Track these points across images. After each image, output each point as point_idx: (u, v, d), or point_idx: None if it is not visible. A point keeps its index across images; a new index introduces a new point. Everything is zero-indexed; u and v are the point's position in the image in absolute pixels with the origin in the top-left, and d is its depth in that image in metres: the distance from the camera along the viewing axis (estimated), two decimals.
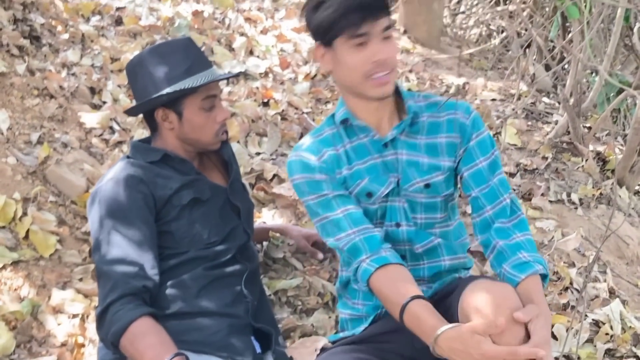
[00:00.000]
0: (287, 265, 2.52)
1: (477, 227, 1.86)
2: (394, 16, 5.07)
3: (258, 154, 3.21)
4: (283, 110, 3.53)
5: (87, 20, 3.94)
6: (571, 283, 2.59)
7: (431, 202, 1.88)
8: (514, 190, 3.12)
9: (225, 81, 3.57)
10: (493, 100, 4.08)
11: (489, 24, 6.43)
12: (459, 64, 4.47)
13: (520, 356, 1.43)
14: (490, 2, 6.14)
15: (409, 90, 2.53)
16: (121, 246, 1.80)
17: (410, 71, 4.38)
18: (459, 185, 1.97)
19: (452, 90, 4.09)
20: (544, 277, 1.71)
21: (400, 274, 1.73)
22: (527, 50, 5.04)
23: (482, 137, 1.86)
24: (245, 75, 3.79)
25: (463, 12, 6.39)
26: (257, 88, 3.68)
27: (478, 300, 1.52)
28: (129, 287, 1.73)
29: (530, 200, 3.12)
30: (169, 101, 1.95)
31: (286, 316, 2.29)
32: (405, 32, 5.04)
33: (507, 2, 5.82)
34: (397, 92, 1.87)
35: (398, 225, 1.88)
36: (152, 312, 1.72)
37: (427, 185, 1.84)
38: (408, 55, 4.73)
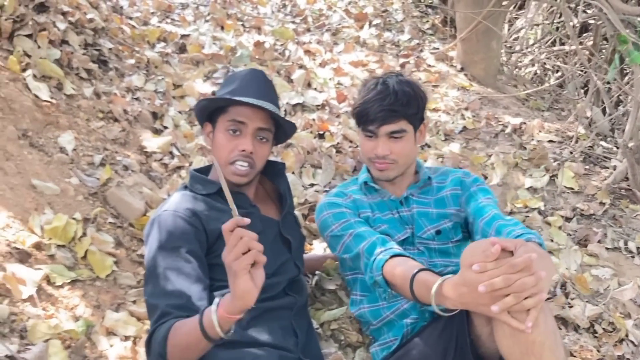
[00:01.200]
0: (334, 298, 2.52)
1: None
2: (452, 53, 5.08)
3: (312, 185, 3.23)
4: (338, 143, 3.56)
5: (153, 46, 4.06)
6: (627, 335, 2.52)
7: (444, 247, 2.16)
8: (570, 235, 3.07)
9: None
10: (550, 141, 4.03)
11: (545, 63, 6.38)
12: (524, 103, 4.43)
13: (518, 265, 1.46)
14: (547, 42, 6.10)
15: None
16: (170, 279, 1.82)
17: (466, 109, 4.36)
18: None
19: (508, 130, 4.06)
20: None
21: (410, 260, 1.88)
22: (584, 91, 4.98)
23: (482, 187, 2.22)
24: (302, 106, 3.84)
25: (519, 51, 6.35)
26: (314, 120, 3.72)
27: (468, 251, 1.58)
28: (174, 318, 1.74)
29: (586, 246, 3.06)
30: (211, 114, 2.04)
31: (333, 351, 2.28)
32: (462, 69, 5.04)
33: (564, 42, 5.78)
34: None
35: None
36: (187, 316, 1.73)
37: (437, 232, 2.16)
38: (464, 92, 4.73)
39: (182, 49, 4.16)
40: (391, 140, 2.12)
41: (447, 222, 2.18)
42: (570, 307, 2.57)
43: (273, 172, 2.24)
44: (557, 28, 5.97)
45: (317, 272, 2.55)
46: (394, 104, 2.09)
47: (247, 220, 1.48)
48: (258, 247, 1.47)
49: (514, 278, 1.45)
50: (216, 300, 1.59)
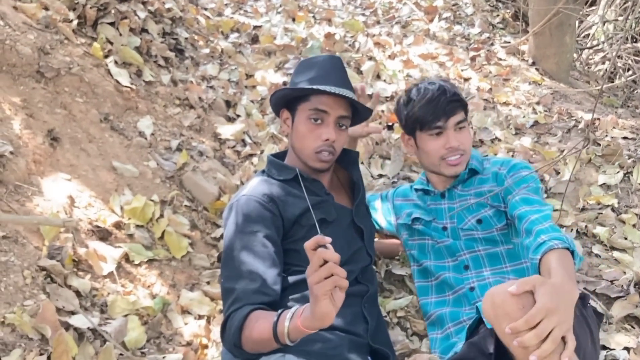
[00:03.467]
0: (403, 287, 2.54)
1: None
2: (523, 47, 5.00)
3: (380, 176, 3.24)
4: None
5: (226, 37, 4.14)
6: None
7: (489, 236, 2.16)
8: None
9: None
10: (624, 138, 3.93)
11: (617, 61, 6.21)
12: (596, 99, 4.34)
13: (517, 328, 1.43)
14: (618, 39, 5.94)
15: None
16: (246, 263, 1.85)
17: (538, 103, 4.29)
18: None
19: (581, 125, 3.98)
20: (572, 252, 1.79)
21: None
22: None
23: (516, 175, 2.15)
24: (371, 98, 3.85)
25: (591, 47, 6.19)
26: (383, 111, 3.73)
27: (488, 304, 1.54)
28: (248, 302, 1.77)
29: None
30: (289, 102, 2.04)
31: (401, 339, 2.29)
32: (533, 63, 4.95)
33: (636, 39, 5.61)
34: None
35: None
36: (262, 307, 1.75)
37: (478, 221, 2.17)
38: (536, 87, 4.65)
39: (254, 40, 4.23)
40: (457, 132, 2.16)
41: (487, 210, 2.17)
42: None
43: (347, 161, 2.25)
44: (631, 25, 5.80)
45: (392, 257, 2.57)
46: (454, 95, 2.16)
47: (328, 239, 1.47)
48: (341, 272, 1.47)
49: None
50: (293, 309, 1.58)
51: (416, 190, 2.36)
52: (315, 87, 1.97)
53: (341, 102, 2.00)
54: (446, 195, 2.27)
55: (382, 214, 2.47)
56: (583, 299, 1.90)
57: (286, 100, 2.08)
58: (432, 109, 2.14)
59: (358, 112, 2.11)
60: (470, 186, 2.24)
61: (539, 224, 1.91)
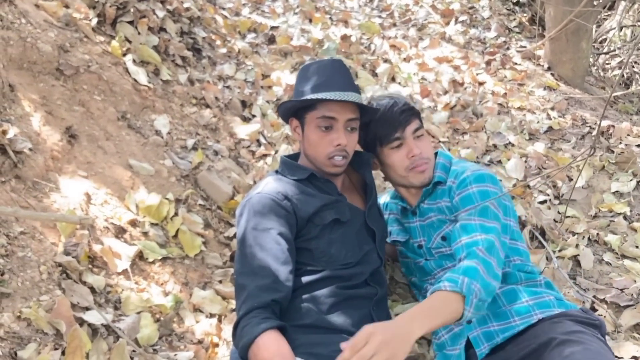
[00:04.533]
0: (410, 291, 2.55)
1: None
2: (539, 52, 4.99)
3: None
4: None
5: (243, 37, 4.17)
6: None
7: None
8: None
9: None
10: (639, 146, 3.92)
11: (633, 66, 6.18)
12: (609, 105, 4.33)
13: None
14: (636, 44, 5.90)
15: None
16: (259, 259, 1.88)
17: (552, 108, 4.29)
18: None
19: (595, 132, 3.97)
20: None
21: None
22: None
23: (462, 195, 2.08)
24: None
25: (607, 53, 6.16)
26: None
27: None
28: (259, 301, 1.80)
29: None
30: (297, 111, 2.06)
31: None
32: (549, 68, 4.94)
33: None
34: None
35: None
36: (277, 325, 1.77)
37: (443, 238, 2.14)
38: (550, 92, 4.64)
39: (271, 40, 4.25)
40: (416, 140, 2.15)
41: (448, 226, 2.13)
42: None
43: (359, 163, 2.26)
44: None
45: (394, 263, 2.58)
46: (404, 105, 2.17)
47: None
48: None
49: None
50: None
51: (395, 202, 2.37)
52: (319, 96, 1.98)
53: (348, 105, 2.03)
54: (417, 213, 2.25)
55: None
56: (599, 327, 1.89)
57: (294, 110, 2.10)
58: (387, 122, 2.14)
59: (367, 111, 2.13)
60: (435, 199, 2.20)
61: (459, 261, 1.90)
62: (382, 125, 2.15)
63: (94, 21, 3.08)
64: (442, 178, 2.17)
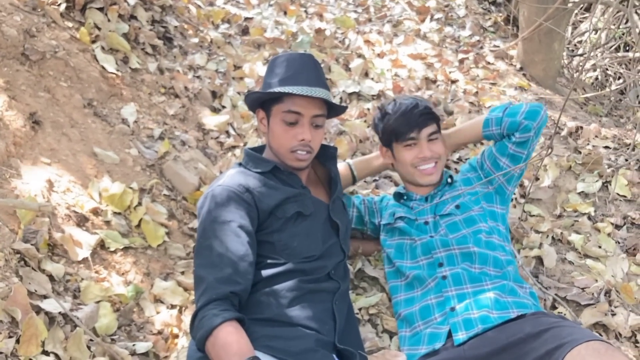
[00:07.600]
0: (374, 285, 2.55)
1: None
2: (512, 52, 5.03)
3: None
4: None
5: (217, 27, 4.13)
6: None
7: (468, 217, 2.31)
8: (618, 243, 3.03)
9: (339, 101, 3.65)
10: (606, 147, 3.97)
11: (607, 69, 6.24)
12: (582, 106, 4.36)
13: None
14: (610, 47, 5.97)
15: None
16: (219, 251, 1.87)
17: None
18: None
19: (563, 133, 4.01)
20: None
21: None
22: None
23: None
24: (358, 95, 3.87)
25: (581, 55, 6.22)
26: (369, 109, 3.74)
27: None
28: (217, 293, 1.79)
29: (634, 255, 3.01)
30: (264, 102, 2.07)
31: (371, 336, 2.31)
32: (521, 69, 4.97)
33: (628, 48, 5.64)
34: None
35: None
36: (235, 317, 1.76)
37: (457, 207, 2.33)
38: (522, 92, 4.67)
39: (244, 31, 4.22)
40: (430, 143, 2.34)
41: (464, 198, 2.36)
42: (613, 315, 2.54)
43: (325, 156, 2.27)
44: (623, 34, 5.83)
45: (368, 255, 2.59)
46: (426, 108, 2.35)
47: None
48: None
49: None
50: None
51: (400, 195, 2.46)
52: (286, 89, 1.98)
53: (314, 101, 2.03)
54: (429, 199, 2.40)
55: (368, 215, 2.52)
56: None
57: (261, 101, 2.10)
58: (405, 121, 2.32)
59: (333, 109, 2.13)
60: (454, 188, 2.41)
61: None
62: (400, 123, 2.33)
63: (63, 6, 3.04)
64: (452, 175, 2.46)
